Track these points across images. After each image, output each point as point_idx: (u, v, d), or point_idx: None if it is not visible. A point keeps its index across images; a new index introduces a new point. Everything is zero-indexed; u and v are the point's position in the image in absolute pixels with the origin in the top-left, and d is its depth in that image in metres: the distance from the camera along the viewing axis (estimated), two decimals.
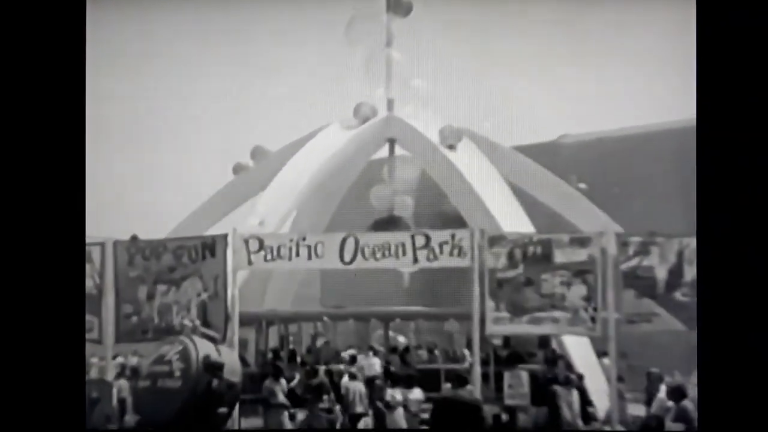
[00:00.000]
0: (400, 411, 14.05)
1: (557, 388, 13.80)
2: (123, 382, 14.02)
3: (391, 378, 16.42)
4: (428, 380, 17.70)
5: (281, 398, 14.45)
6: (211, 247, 14.13)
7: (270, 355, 21.91)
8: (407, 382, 14.96)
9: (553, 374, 15.62)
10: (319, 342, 24.98)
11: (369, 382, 19.32)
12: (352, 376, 16.53)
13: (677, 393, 11.74)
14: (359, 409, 15.19)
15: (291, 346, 23.80)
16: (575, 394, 14.00)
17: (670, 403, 12.02)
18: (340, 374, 17.22)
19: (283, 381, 14.86)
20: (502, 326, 13.89)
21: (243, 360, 21.07)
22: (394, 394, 14.30)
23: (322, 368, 18.47)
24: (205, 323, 13.17)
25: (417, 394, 15.08)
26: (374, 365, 19.72)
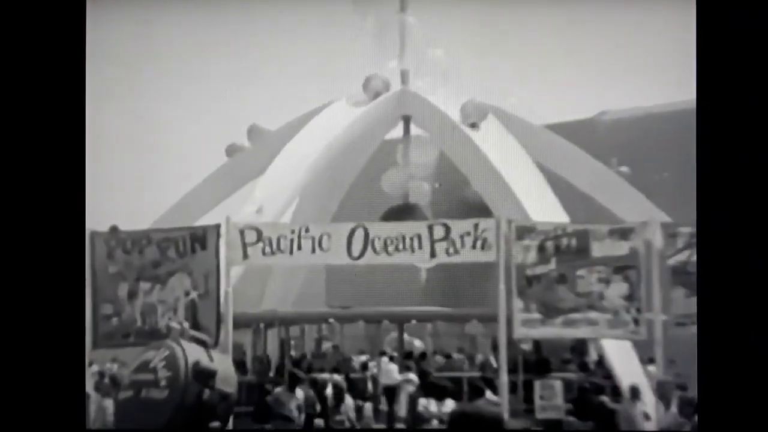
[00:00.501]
0: (434, 424, 14.02)
1: (605, 399, 13.68)
2: (92, 394, 13.99)
3: (425, 388, 16.37)
4: (448, 390, 17.67)
5: (293, 412, 14.33)
6: (201, 239, 14.12)
7: (280, 362, 21.91)
8: (440, 393, 14.90)
9: (593, 383, 15.55)
10: (325, 346, 24.98)
11: (388, 391, 19.33)
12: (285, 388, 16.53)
13: (689, 408, 11.52)
14: (347, 423, 15.19)
15: (292, 352, 23.82)
16: (638, 408, 13.79)
17: (683, 419, 11.88)
18: (324, 384, 17.18)
19: (299, 393, 14.67)
20: (532, 329, 13.85)
21: (243, 365, 21.25)
22: (428, 405, 14.27)
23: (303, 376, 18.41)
24: (195, 325, 13.12)
25: (450, 406, 15.07)
26: (392, 372, 19.68)
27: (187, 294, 13.99)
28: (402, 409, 18.39)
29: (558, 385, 15.32)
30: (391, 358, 21.02)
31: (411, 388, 18.64)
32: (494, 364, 20.20)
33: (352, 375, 20.15)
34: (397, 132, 26.98)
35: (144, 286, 14.14)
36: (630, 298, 13.49)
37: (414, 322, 23.95)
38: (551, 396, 15.04)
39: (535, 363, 19.94)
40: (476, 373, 20.31)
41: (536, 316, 13.65)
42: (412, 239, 13.91)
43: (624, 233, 13.73)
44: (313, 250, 14.00)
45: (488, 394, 12.28)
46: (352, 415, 15.59)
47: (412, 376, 19.03)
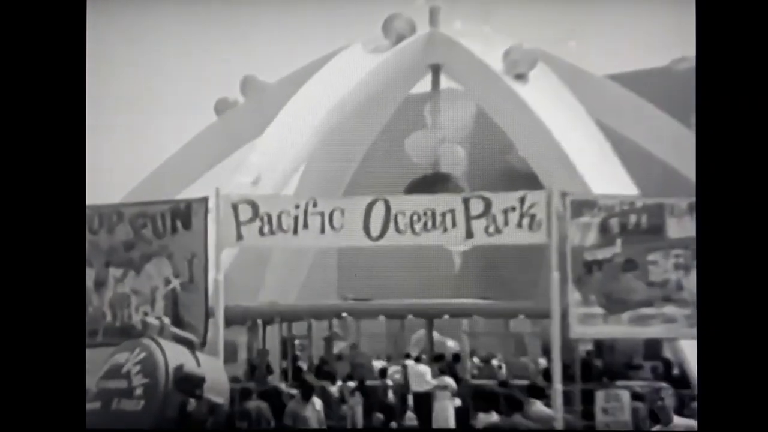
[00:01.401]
0: None
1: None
2: None
3: (478, 399, 16.28)
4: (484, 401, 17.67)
5: (314, 425, 14.31)
6: (184, 215, 14.10)
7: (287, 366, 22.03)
8: (495, 405, 14.83)
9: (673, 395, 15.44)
10: (338, 348, 25.04)
11: (419, 400, 19.33)
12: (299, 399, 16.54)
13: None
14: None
15: (298, 353, 23.91)
16: None
17: None
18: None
19: (317, 402, 14.70)
20: (592, 327, 13.76)
21: (255, 367, 21.27)
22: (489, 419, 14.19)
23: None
24: (177, 321, 13.17)
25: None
26: (424, 375, 19.67)
27: (167, 283, 13.99)
28: (444, 419, 18.38)
29: (625, 396, 15.26)
30: (418, 360, 21.03)
31: (449, 396, 18.66)
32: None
33: (369, 382, 20.19)
34: (425, 85, 26.88)
35: (114, 272, 14.15)
36: None
37: (446, 317, 23.95)
38: (616, 409, 15.01)
39: (597, 369, 19.91)
40: (522, 381, 20.34)
41: (598, 310, 13.59)
42: (444, 215, 13.84)
43: None
44: (323, 230, 13.97)
45: (538, 405, 12.23)
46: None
47: (449, 380, 19.04)
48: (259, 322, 22.89)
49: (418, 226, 13.83)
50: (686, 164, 23.51)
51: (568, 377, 16.36)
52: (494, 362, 23.28)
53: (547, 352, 17.88)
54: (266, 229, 14.06)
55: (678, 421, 13.48)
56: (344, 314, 23.83)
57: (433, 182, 24.84)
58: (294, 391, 17.08)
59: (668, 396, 12.04)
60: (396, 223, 13.85)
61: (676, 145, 24.24)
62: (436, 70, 26.33)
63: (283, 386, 19.37)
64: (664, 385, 15.97)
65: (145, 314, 13.38)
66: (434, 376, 19.63)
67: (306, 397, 14.13)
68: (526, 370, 21.89)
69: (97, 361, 12.12)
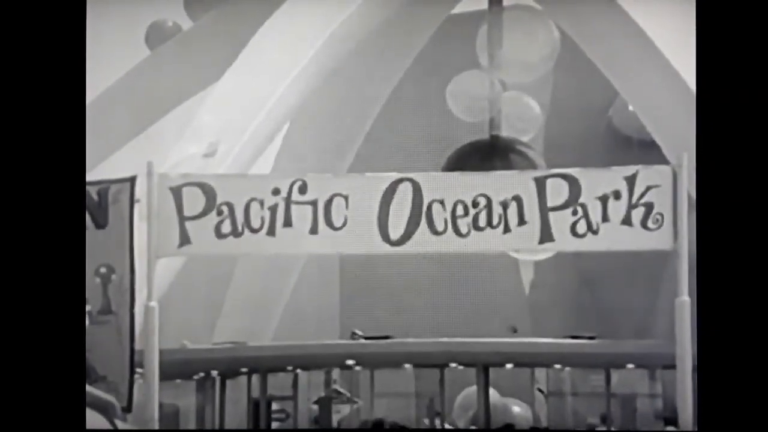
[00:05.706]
0: None
1: None
2: None
3: None
4: None
5: None
6: (96, 206, 14.28)
7: None
8: None
9: None
10: (342, 414, 25.18)
11: None
12: None
13: None
14: None
15: (275, 426, 24.03)
16: None
17: None
18: None
19: None
20: None
21: None
22: None
23: None
24: (86, 373, 13.23)
25: None
26: None
27: None
28: None
29: None
30: None
31: None
32: None
33: None
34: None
35: None
36: None
37: (510, 367, 24.06)
38: None
39: None
40: None
41: None
42: (504, 206, 14.00)
43: None
44: (315, 228, 14.15)
45: None
46: None
47: None
48: (215, 374, 23.02)
49: (463, 222, 13.99)
50: None
51: None
52: None
53: (673, 422, 17.90)
54: (227, 227, 14.23)
55: None
56: (350, 361, 23.94)
57: (489, 152, 24.82)
58: None
59: None
60: (430, 216, 13.99)
61: None
62: None
63: None
64: None
65: None
66: None
67: None
68: None
69: None
